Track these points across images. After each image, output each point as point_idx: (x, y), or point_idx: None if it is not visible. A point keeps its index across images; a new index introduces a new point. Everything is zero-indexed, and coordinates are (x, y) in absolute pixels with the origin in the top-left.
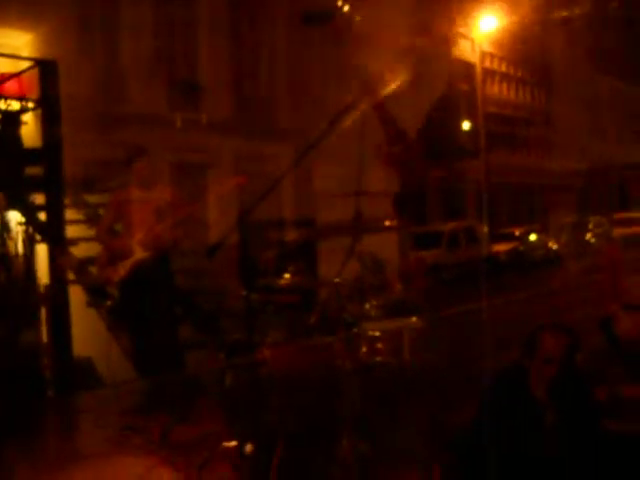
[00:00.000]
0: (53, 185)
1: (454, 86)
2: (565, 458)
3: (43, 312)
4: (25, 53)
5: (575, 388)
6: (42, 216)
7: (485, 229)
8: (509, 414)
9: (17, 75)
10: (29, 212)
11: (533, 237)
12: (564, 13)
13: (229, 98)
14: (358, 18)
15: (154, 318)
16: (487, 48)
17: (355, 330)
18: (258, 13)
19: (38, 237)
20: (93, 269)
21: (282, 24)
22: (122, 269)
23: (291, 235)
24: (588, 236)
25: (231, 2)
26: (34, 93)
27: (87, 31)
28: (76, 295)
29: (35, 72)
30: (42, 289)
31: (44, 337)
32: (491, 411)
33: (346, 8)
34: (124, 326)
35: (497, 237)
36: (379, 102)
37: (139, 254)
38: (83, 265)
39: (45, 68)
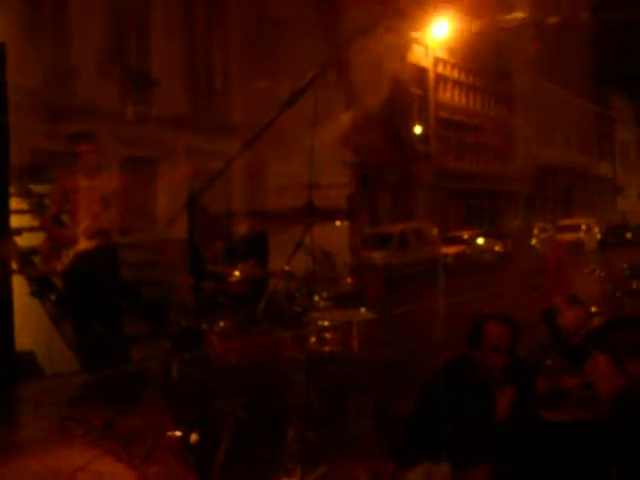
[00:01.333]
0: None
1: (407, 90)
2: (511, 446)
3: None
4: None
5: (520, 376)
6: None
7: (435, 231)
8: (455, 405)
9: None
10: None
11: (480, 241)
12: (517, 22)
13: (182, 93)
14: None
15: (98, 309)
16: (440, 54)
17: (304, 320)
18: (213, 9)
19: None
20: (37, 259)
21: (236, 21)
22: (65, 259)
23: (241, 226)
24: (533, 241)
25: None
26: None
27: (37, 19)
28: (19, 286)
29: None
30: None
31: None
32: (435, 402)
33: None
34: (68, 317)
35: (446, 240)
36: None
37: (83, 244)
38: (27, 255)
39: None
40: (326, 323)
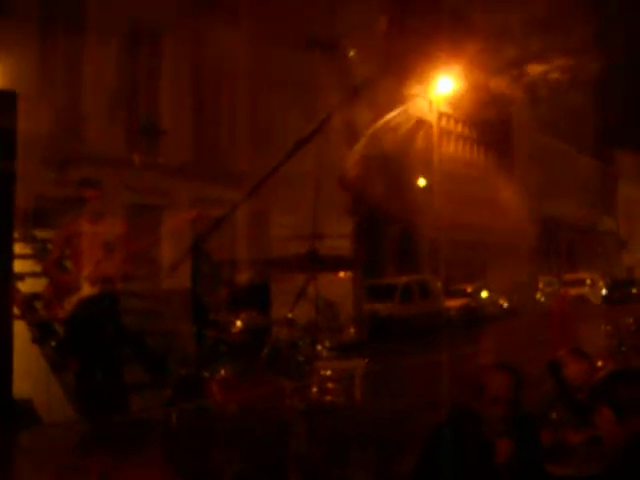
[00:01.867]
0: (3, 218)
1: (411, 143)
2: None
3: None
4: None
5: (524, 427)
6: None
7: (439, 284)
8: (459, 456)
9: None
10: None
11: (485, 294)
12: (520, 79)
13: (189, 142)
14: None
15: (99, 356)
16: (444, 108)
17: (307, 369)
18: (221, 61)
19: None
20: (39, 305)
21: (243, 72)
22: (68, 305)
23: (244, 274)
24: (538, 295)
25: (194, 49)
26: None
27: (50, 68)
28: (20, 331)
29: None
30: None
31: None
32: (439, 454)
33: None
34: (68, 364)
35: (450, 293)
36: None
37: (86, 290)
38: (29, 301)
39: (3, 98)
40: (328, 373)
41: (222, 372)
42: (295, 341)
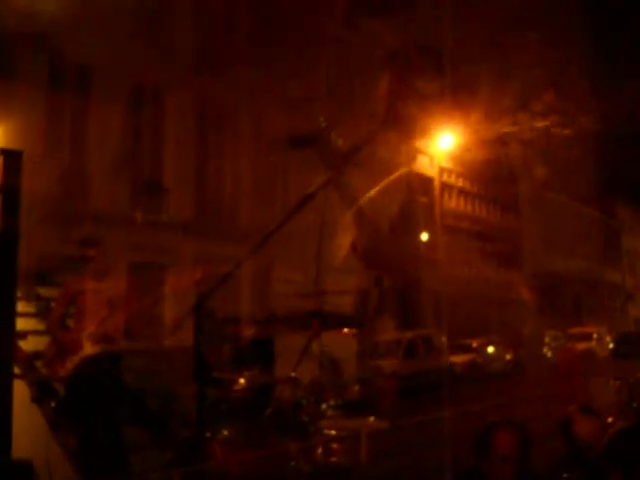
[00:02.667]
0: (6, 276)
1: (414, 198)
2: None
3: None
4: None
5: None
6: None
7: (443, 339)
8: None
9: None
10: None
11: (491, 349)
12: (521, 133)
13: (192, 200)
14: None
15: (99, 417)
16: (445, 163)
17: (311, 429)
18: (223, 120)
19: None
20: (40, 364)
21: (246, 130)
22: (70, 364)
23: (248, 331)
24: (545, 349)
25: (197, 108)
26: None
27: (55, 127)
28: (20, 391)
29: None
30: None
31: None
32: None
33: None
34: (67, 425)
35: (455, 348)
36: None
37: (88, 349)
38: (30, 359)
39: (9, 158)
40: (333, 433)
41: (224, 433)
42: (299, 400)
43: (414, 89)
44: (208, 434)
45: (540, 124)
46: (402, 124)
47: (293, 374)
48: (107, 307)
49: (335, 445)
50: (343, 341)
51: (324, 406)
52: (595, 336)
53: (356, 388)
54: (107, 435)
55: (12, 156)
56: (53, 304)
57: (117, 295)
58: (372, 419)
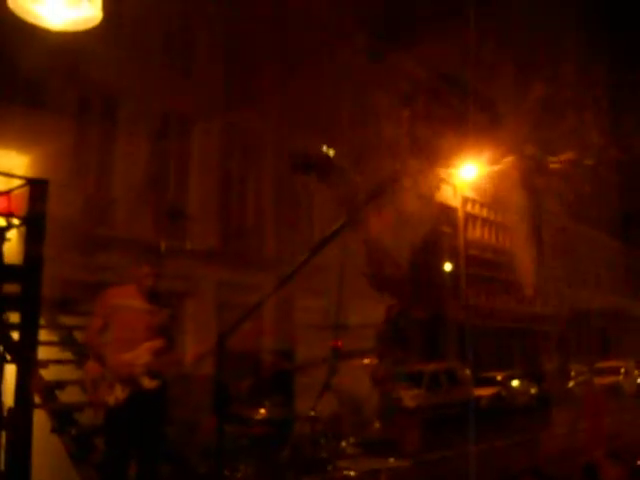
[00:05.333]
0: (30, 304)
1: (438, 229)
2: None
3: (3, 437)
4: (19, 172)
5: None
6: (15, 335)
7: (467, 372)
8: None
9: (7, 193)
10: (2, 330)
11: (515, 382)
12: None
13: (215, 227)
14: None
15: (141, 450)
16: (468, 194)
17: (329, 468)
18: (247, 147)
19: (8, 357)
20: (59, 393)
21: (270, 158)
22: (121, 393)
23: (268, 364)
24: (571, 384)
25: (223, 138)
26: (22, 211)
27: (82, 155)
28: (40, 420)
29: (26, 191)
30: (5, 412)
31: (1, 465)
32: None
33: (331, 153)
34: (87, 455)
35: (479, 381)
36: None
37: (146, 383)
38: (51, 389)
39: (35, 187)
40: (352, 474)
41: (242, 469)
42: (317, 438)
43: (438, 119)
44: (226, 472)
45: (564, 156)
46: (426, 154)
47: (312, 413)
48: (155, 333)
49: None
50: (363, 373)
51: (344, 444)
52: (622, 371)
53: (377, 425)
54: (145, 467)
55: (38, 185)
56: (76, 334)
57: (162, 324)
58: (392, 459)
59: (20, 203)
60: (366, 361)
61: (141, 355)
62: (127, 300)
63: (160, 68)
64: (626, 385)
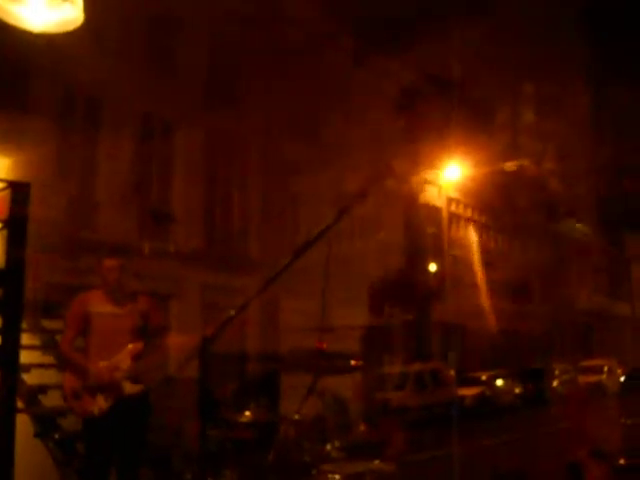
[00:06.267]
0: (12, 308)
1: (422, 229)
2: None
3: None
4: (1, 175)
5: None
6: None
7: (452, 372)
8: None
9: None
10: None
11: (500, 382)
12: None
13: (200, 229)
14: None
15: (122, 456)
16: (453, 194)
17: (313, 472)
18: (232, 149)
19: None
20: (42, 397)
21: (254, 159)
22: (104, 402)
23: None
24: (555, 383)
25: (206, 140)
26: (4, 214)
27: (64, 158)
28: (22, 425)
29: (8, 194)
30: None
31: None
32: None
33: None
34: (71, 460)
35: (463, 381)
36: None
37: (128, 388)
38: (34, 393)
39: (17, 190)
40: (337, 477)
41: (227, 474)
42: (301, 442)
43: (423, 121)
44: (210, 477)
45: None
46: (410, 156)
47: (297, 417)
48: (132, 336)
49: None
50: (348, 375)
51: (328, 447)
52: (606, 369)
53: (362, 427)
54: (123, 476)
55: (20, 188)
56: (58, 338)
57: (138, 326)
58: (377, 462)
59: (2, 206)
60: (353, 362)
61: (120, 360)
62: (95, 306)
63: (143, 70)
64: (609, 384)
